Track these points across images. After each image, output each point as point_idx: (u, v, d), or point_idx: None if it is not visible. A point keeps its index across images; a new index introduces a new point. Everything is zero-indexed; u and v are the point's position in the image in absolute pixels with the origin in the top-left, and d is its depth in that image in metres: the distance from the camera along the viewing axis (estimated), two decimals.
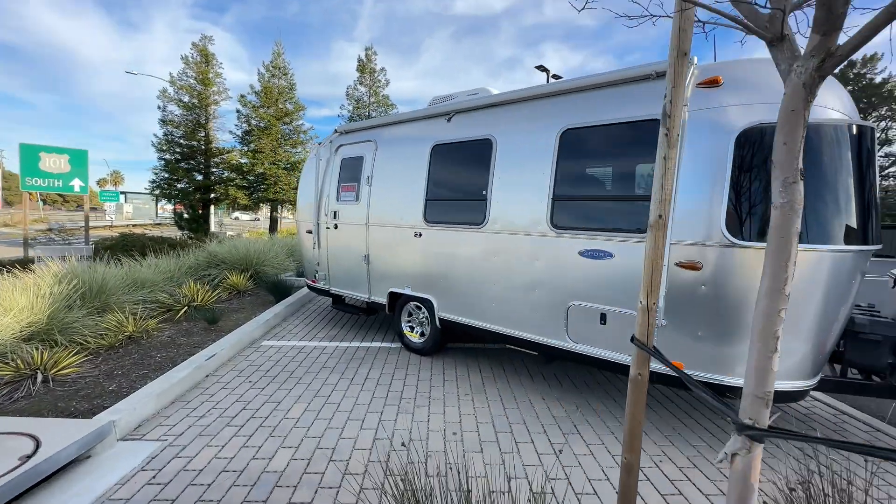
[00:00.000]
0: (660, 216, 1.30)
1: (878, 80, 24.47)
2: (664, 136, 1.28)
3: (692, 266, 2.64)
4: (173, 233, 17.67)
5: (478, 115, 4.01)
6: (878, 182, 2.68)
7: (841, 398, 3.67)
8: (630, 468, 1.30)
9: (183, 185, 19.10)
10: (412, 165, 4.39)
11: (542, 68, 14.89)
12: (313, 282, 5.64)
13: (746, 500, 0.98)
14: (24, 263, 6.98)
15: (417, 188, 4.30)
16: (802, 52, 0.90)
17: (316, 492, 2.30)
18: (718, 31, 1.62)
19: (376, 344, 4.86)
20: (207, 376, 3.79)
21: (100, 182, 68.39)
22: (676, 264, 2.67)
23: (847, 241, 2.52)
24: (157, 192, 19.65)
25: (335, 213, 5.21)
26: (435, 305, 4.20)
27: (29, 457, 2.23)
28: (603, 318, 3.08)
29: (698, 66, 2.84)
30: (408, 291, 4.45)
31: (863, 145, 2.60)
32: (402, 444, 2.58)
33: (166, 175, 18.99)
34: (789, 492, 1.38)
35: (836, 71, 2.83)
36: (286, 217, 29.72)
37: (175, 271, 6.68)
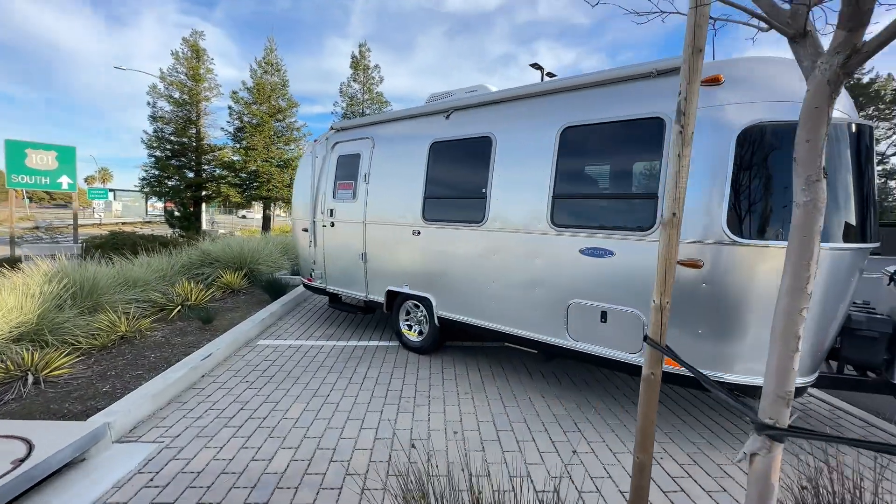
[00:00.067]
0: (674, 214, 1.29)
1: (865, 80, 24.91)
2: (678, 134, 1.27)
3: (693, 264, 2.64)
4: (164, 231, 17.44)
5: (477, 113, 3.99)
6: (876, 180, 2.71)
7: (835, 394, 3.71)
8: (642, 468, 1.29)
9: (174, 183, 18.86)
10: (410, 163, 4.36)
11: (536, 66, 14.91)
12: (309, 280, 5.59)
13: (767, 500, 0.97)
14: (12, 262, 6.83)
15: (416, 186, 4.27)
16: (825, 48, 0.90)
17: (318, 493, 2.28)
18: (723, 27, 1.61)
19: (374, 343, 4.83)
20: (203, 376, 3.73)
21: (87, 179, 67.32)
22: (677, 262, 2.67)
23: (846, 240, 2.54)
24: (147, 189, 19.39)
25: (332, 210, 5.16)
26: (434, 304, 4.18)
27: (22, 460, 2.18)
28: (604, 316, 3.08)
29: None
30: (406, 290, 4.43)
31: (862, 144, 2.62)
32: (413, 446, 2.55)
33: (157, 172, 18.74)
34: (800, 489, 1.39)
35: None
36: (279, 215, 29.47)
37: (168, 270, 6.58)
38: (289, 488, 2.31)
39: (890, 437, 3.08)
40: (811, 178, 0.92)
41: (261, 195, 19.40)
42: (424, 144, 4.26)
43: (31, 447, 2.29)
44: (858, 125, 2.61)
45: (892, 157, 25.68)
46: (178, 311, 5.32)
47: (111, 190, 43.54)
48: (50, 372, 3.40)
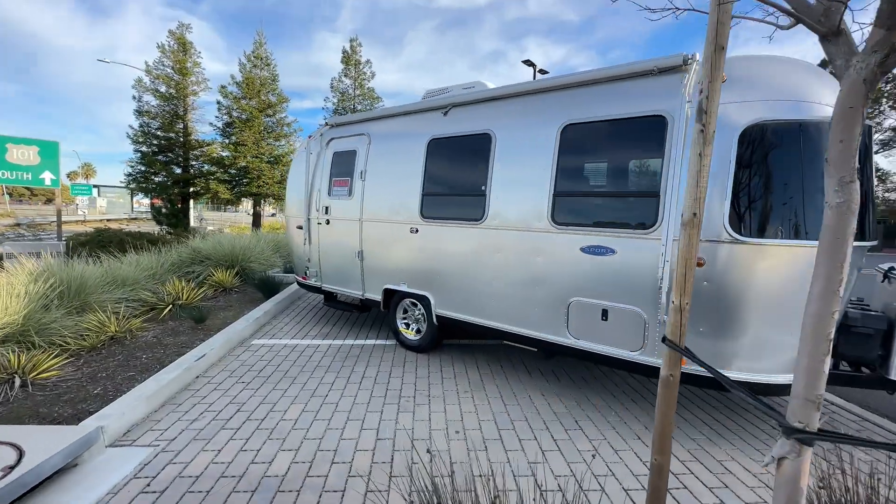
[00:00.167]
0: (694, 214, 1.27)
1: None
2: (700, 133, 1.25)
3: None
4: (151, 228, 17.09)
5: (476, 109, 3.95)
6: (874, 179, 2.74)
7: (829, 389, 3.78)
8: (661, 470, 1.29)
9: (160, 179, 18.49)
10: (408, 160, 4.30)
11: (529, 63, 14.90)
12: (304, 278, 5.51)
13: None
14: None
15: (413, 183, 4.22)
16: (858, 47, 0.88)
17: (321, 496, 2.24)
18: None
19: (371, 341, 4.78)
20: (198, 377, 3.66)
21: (70, 175, 65.73)
22: None
23: None
24: (133, 185, 18.97)
25: (327, 208, 5.09)
26: (432, 302, 4.15)
27: (12, 468, 2.10)
28: (605, 314, 3.08)
29: (700, 62, 2.84)
30: (404, 288, 4.38)
31: (861, 143, 2.65)
32: (428, 451, 2.51)
33: (143, 168, 18.33)
34: (818, 489, 1.40)
35: None
36: (269, 214, 29.10)
37: (157, 268, 6.44)
38: (291, 491, 2.27)
39: (887, 432, 3.14)
40: (845, 180, 0.91)
41: (251, 191, 19.10)
42: (422, 141, 4.21)
43: (21, 453, 2.22)
44: None
45: (875, 155, 26.22)
46: (170, 310, 5.21)
47: (95, 186, 42.59)
48: (38, 374, 3.29)
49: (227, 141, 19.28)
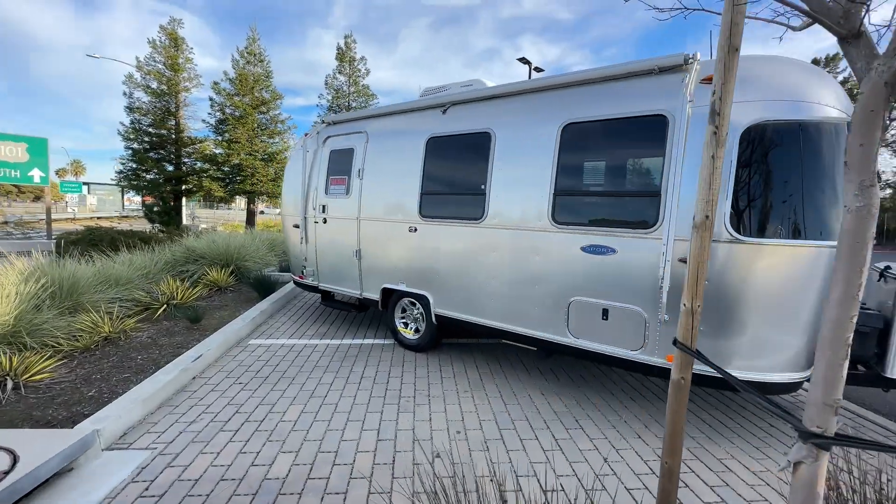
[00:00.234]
0: (706, 217, 1.27)
1: (839, 79, 25.66)
2: (713, 135, 1.24)
3: None
4: (143, 226, 16.90)
5: (476, 108, 3.93)
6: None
7: None
8: (671, 473, 1.28)
9: (152, 176, 18.26)
10: (406, 158, 4.27)
11: (524, 61, 14.87)
12: (301, 278, 5.46)
13: None
14: None
15: (412, 182, 4.19)
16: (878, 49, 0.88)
17: (323, 498, 2.22)
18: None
19: (369, 341, 4.76)
20: (195, 378, 3.61)
21: (59, 172, 64.73)
22: (679, 260, 2.69)
23: None
24: (124, 183, 18.73)
25: (324, 206, 5.05)
26: (431, 301, 4.13)
27: (7, 473, 2.06)
28: (605, 313, 3.08)
29: (701, 62, 2.84)
30: (402, 287, 4.36)
31: None
32: (437, 455, 2.50)
33: (134, 165, 18.09)
34: (828, 491, 1.40)
35: None
36: (261, 212, 28.86)
37: (151, 267, 6.35)
38: (292, 494, 2.25)
39: (885, 430, 3.18)
40: (865, 184, 0.90)
41: (244, 189, 18.91)
42: (421, 139, 4.18)
43: (15, 458, 2.17)
44: None
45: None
46: (164, 310, 5.14)
47: (85, 183, 41.95)
48: (30, 376, 3.23)
49: (220, 138, 19.05)
